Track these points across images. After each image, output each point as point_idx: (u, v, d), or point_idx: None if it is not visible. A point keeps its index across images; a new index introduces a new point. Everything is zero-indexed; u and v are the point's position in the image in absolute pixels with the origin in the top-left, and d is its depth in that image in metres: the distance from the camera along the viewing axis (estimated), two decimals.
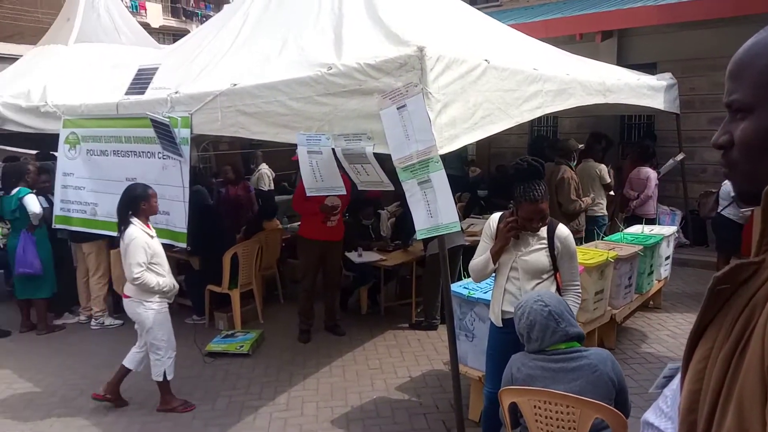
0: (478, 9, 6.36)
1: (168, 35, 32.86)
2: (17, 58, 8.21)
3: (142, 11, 35.00)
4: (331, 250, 5.38)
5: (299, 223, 5.83)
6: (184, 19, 37.51)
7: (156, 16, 36.11)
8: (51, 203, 5.53)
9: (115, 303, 6.18)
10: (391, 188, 3.60)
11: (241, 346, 5.03)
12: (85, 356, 5.09)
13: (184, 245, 4.83)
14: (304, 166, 3.73)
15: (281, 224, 7.19)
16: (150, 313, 3.90)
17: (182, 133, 4.62)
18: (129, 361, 4.06)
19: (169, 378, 4.01)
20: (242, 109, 3.95)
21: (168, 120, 4.59)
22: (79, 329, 5.80)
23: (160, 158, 4.93)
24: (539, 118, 5.19)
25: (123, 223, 3.94)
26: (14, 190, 5.47)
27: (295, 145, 3.68)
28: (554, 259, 3.03)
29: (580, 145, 6.48)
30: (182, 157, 4.71)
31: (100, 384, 4.48)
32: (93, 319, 5.83)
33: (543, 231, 3.03)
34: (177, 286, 4.16)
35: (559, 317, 2.44)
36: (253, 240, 6.02)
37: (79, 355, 5.13)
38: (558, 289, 3.03)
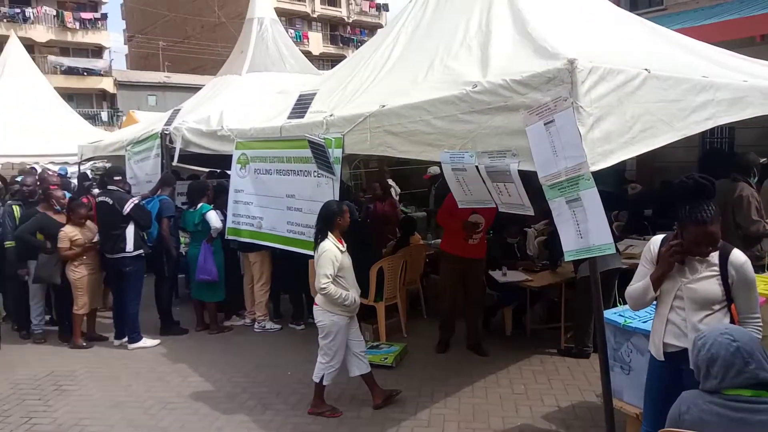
0: (640, 14, 5.93)
1: (327, 61, 35.29)
2: (200, 88, 9.38)
3: (305, 40, 38.07)
4: (473, 267, 5.34)
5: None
6: (341, 45, 39.96)
7: (317, 44, 38.98)
8: (225, 217, 6.18)
9: (275, 308, 6.74)
10: (532, 213, 3.47)
11: (386, 358, 5.16)
12: (248, 356, 5.58)
13: None
14: (451, 182, 3.76)
15: (425, 240, 7.28)
16: (330, 322, 4.17)
17: (335, 153, 4.91)
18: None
19: (325, 383, 4.24)
20: (389, 129, 4.09)
21: (323, 141, 4.91)
22: (244, 331, 6.39)
23: (315, 176, 5.28)
24: (712, 130, 4.65)
25: (320, 235, 4.23)
26: (198, 206, 6.20)
27: (427, 164, 3.72)
28: (728, 288, 2.68)
29: (762, 160, 5.69)
30: (334, 176, 5.00)
31: (259, 383, 4.90)
32: (256, 323, 6.38)
33: (714, 257, 2.70)
34: (358, 301, 4.36)
35: (749, 357, 2.06)
36: (399, 255, 6.17)
37: (243, 355, 5.64)
38: (732, 323, 2.67)
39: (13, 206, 6.23)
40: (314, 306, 4.30)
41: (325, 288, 4.05)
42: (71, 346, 5.89)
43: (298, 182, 5.50)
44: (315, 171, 5.22)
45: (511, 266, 5.88)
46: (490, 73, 3.54)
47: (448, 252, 5.39)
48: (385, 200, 7.73)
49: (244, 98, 7.42)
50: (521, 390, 4.61)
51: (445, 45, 4.33)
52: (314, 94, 5.82)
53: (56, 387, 4.93)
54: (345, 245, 4.32)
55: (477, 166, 3.48)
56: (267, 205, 5.89)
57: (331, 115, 5.07)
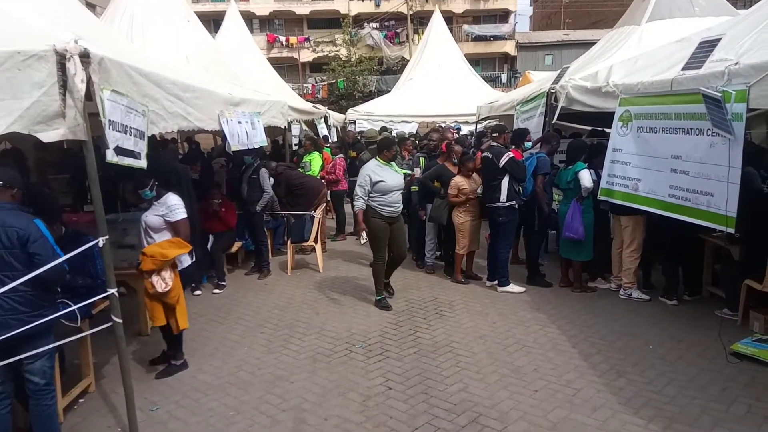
0: None
1: None
2: (594, 43, 9.12)
3: None
4: None
5: None
6: None
7: None
8: (599, 177, 6.02)
9: (645, 278, 6.30)
10: None
11: None
12: (607, 320, 5.45)
13: (729, 230, 4.39)
14: None
15: None
16: None
17: (735, 109, 4.18)
18: None
19: None
20: None
21: (720, 94, 4.22)
22: (608, 295, 6.21)
23: (708, 135, 4.63)
24: None
25: None
26: (573, 164, 6.22)
27: None
28: None
29: None
30: (732, 135, 4.27)
31: (615, 348, 4.75)
32: (622, 289, 6.11)
33: None
34: None
35: None
36: None
37: (602, 317, 5.53)
38: None
39: (420, 157, 7.49)
40: None
41: None
42: (452, 280, 6.85)
43: (688, 142, 4.93)
44: (709, 129, 4.58)
45: None
46: None
47: None
48: None
49: (639, 50, 6.91)
50: None
51: None
52: (719, 39, 5.03)
53: (437, 311, 5.86)
54: None
55: None
56: (647, 166, 5.47)
57: (736, 64, 4.32)
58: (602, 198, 5.95)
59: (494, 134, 6.61)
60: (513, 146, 6.52)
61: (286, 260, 7.66)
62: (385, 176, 5.76)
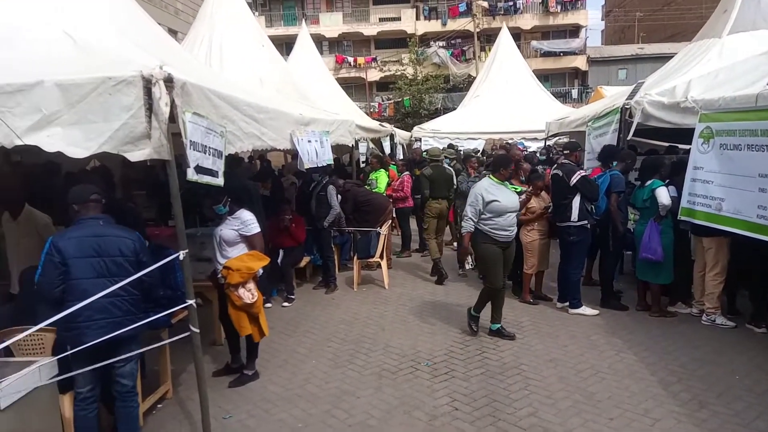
0: None
1: None
2: (670, 57, 8.75)
3: None
4: None
5: None
6: None
7: None
8: (679, 195, 5.74)
9: (729, 303, 5.92)
10: None
11: None
12: (688, 347, 5.14)
13: None
14: None
15: None
16: None
17: None
18: None
19: None
20: None
21: None
22: (689, 321, 5.87)
23: None
24: None
25: None
26: (648, 182, 5.97)
27: None
28: None
29: None
30: None
31: (697, 377, 4.48)
32: (704, 315, 5.76)
33: None
34: None
35: None
36: None
37: (683, 344, 5.22)
38: None
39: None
40: None
41: None
42: (521, 300, 6.69)
43: None
44: None
45: None
46: None
47: None
48: None
49: (720, 64, 6.57)
50: None
51: None
52: None
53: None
54: None
55: None
56: (732, 185, 5.17)
57: None
58: (683, 218, 5.66)
59: (565, 151, 6.45)
60: (600, 164, 6.39)
61: (353, 275, 7.75)
62: (499, 196, 5.29)
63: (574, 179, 5.91)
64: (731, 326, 5.54)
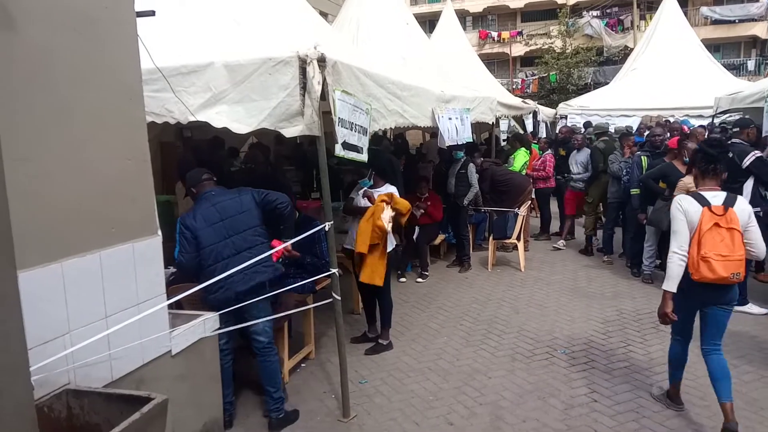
0: None
1: None
2: None
3: None
4: None
5: None
6: None
7: None
8: None
9: None
10: None
11: None
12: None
13: None
14: None
15: None
16: None
17: None
18: None
19: None
20: None
21: None
22: None
23: None
24: None
25: None
26: None
27: None
28: None
29: None
30: None
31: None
32: None
33: None
34: None
35: None
36: None
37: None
38: None
39: (642, 157, 6.81)
40: None
41: None
42: None
43: None
44: None
45: None
46: None
47: None
48: None
49: None
50: None
51: None
52: None
53: (654, 325, 5.29)
54: None
55: None
56: None
57: None
58: None
59: (734, 129, 5.73)
60: None
61: (487, 256, 7.66)
62: None
63: (748, 161, 5.25)
64: (763, 313, 4.61)
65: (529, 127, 12.38)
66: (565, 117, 14.46)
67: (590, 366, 4.50)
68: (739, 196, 3.49)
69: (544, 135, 13.02)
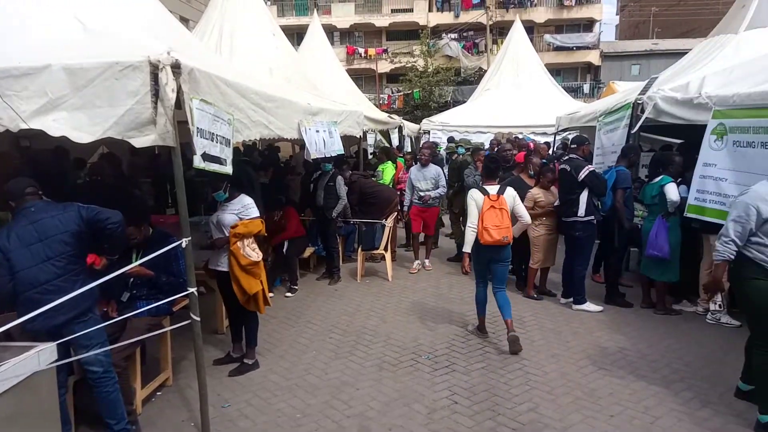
0: None
1: None
2: (685, 53, 8.62)
3: None
4: None
5: None
6: None
7: None
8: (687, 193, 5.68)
9: (731, 301, 5.85)
10: None
11: None
12: (692, 346, 5.11)
13: None
14: None
15: None
16: None
17: None
18: None
19: None
20: None
21: None
22: (694, 319, 5.81)
23: None
24: None
25: None
26: (657, 178, 5.90)
27: None
28: None
29: None
30: None
31: (701, 377, 4.45)
32: (709, 313, 5.71)
33: None
34: None
35: None
36: None
37: (687, 342, 5.19)
38: None
39: None
40: None
41: None
42: (524, 295, 6.65)
43: None
44: None
45: None
46: None
47: None
48: None
49: (735, 60, 6.46)
50: None
51: None
52: None
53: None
54: None
55: None
56: (746, 183, 5.07)
57: None
58: (691, 215, 5.60)
59: (572, 145, 6.39)
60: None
61: (357, 267, 7.75)
62: None
63: (583, 174, 5.86)
64: (736, 325, 5.48)
65: (395, 142, 12.82)
66: (428, 132, 15.18)
67: (451, 369, 4.71)
68: (508, 188, 5.23)
69: (409, 149, 13.56)
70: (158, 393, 4.31)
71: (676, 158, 6.08)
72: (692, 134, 6.89)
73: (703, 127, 5.63)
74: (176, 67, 3.22)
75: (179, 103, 3.29)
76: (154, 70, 3.17)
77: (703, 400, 4.10)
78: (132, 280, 4.06)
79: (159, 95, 3.20)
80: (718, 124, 5.46)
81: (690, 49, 8.55)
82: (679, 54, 10.29)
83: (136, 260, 3.90)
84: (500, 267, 5.16)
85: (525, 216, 5.27)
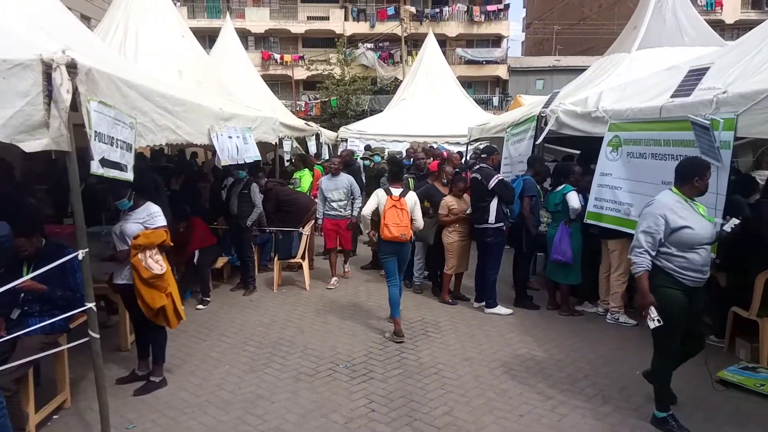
0: None
1: (745, 30, 29.66)
2: (584, 69, 9.23)
3: (718, 8, 32.93)
4: None
5: None
6: (767, 9, 32.99)
7: (733, 10, 33.22)
8: (586, 201, 6.05)
9: (632, 302, 6.29)
10: None
11: (762, 385, 4.25)
12: (594, 345, 5.42)
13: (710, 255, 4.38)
14: None
15: None
16: None
17: (723, 137, 4.23)
18: None
19: None
20: None
21: (709, 122, 4.27)
22: (595, 319, 6.18)
23: None
24: None
25: None
26: (560, 187, 6.24)
27: None
28: None
29: None
30: (720, 162, 4.30)
31: (602, 374, 4.72)
32: (609, 313, 6.10)
33: None
34: None
35: None
36: None
37: (589, 342, 5.50)
38: None
39: (409, 179, 7.45)
40: None
41: None
42: (440, 301, 6.79)
43: None
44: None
45: None
46: None
47: None
48: None
49: (629, 78, 7.00)
50: None
51: None
52: (708, 68, 5.11)
53: (424, 332, 5.80)
54: None
55: None
56: (638, 191, 5.50)
57: (724, 92, 4.38)
58: (590, 222, 5.96)
59: (483, 155, 6.63)
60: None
61: (273, 277, 7.58)
62: (690, 220, 3.64)
63: (492, 183, 6.08)
64: (633, 324, 5.89)
65: (312, 149, 12.72)
66: (346, 140, 15.21)
67: (369, 377, 4.70)
68: (410, 191, 5.86)
69: (327, 157, 13.50)
70: (55, 416, 3.97)
71: (576, 168, 6.47)
72: (591, 145, 7.41)
73: (601, 138, 6.03)
74: (72, 67, 3.02)
75: (76, 105, 3.08)
76: (47, 69, 2.96)
77: (605, 396, 4.35)
78: (23, 295, 3.72)
79: (52, 96, 2.98)
80: (614, 136, 5.86)
81: (589, 66, 9.17)
82: (579, 70, 10.99)
83: (27, 274, 3.58)
84: (402, 264, 5.80)
85: (419, 220, 5.77)
